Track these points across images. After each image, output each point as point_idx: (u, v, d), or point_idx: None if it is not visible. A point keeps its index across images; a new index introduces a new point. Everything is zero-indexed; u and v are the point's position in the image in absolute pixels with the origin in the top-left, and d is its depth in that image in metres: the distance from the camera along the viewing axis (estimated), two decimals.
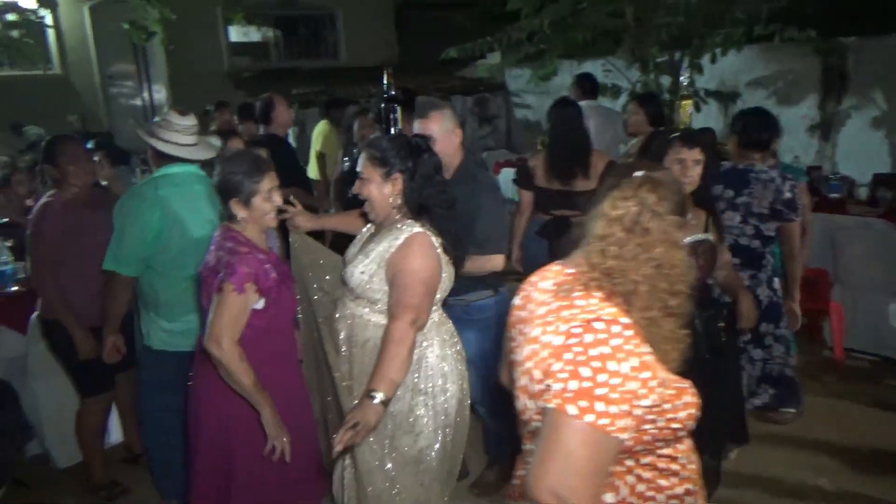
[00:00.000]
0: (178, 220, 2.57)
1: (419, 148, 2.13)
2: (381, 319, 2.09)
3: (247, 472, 2.15)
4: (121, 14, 7.17)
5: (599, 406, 1.14)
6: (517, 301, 1.47)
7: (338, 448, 1.81)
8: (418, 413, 2.13)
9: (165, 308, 2.64)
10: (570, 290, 1.30)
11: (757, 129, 3.17)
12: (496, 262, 2.67)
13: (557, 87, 9.00)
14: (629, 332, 1.21)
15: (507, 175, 5.72)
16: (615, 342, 1.19)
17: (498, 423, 2.99)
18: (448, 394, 2.18)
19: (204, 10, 9.82)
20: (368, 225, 2.30)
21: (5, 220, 4.27)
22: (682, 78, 3.99)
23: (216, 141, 2.79)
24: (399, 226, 2.08)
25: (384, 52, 11.28)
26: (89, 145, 4.63)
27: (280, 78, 9.90)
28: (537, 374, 1.27)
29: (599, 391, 1.15)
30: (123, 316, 2.77)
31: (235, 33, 10.74)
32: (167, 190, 2.58)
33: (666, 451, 1.34)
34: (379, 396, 1.87)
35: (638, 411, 1.19)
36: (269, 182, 2.07)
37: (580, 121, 3.51)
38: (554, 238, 3.42)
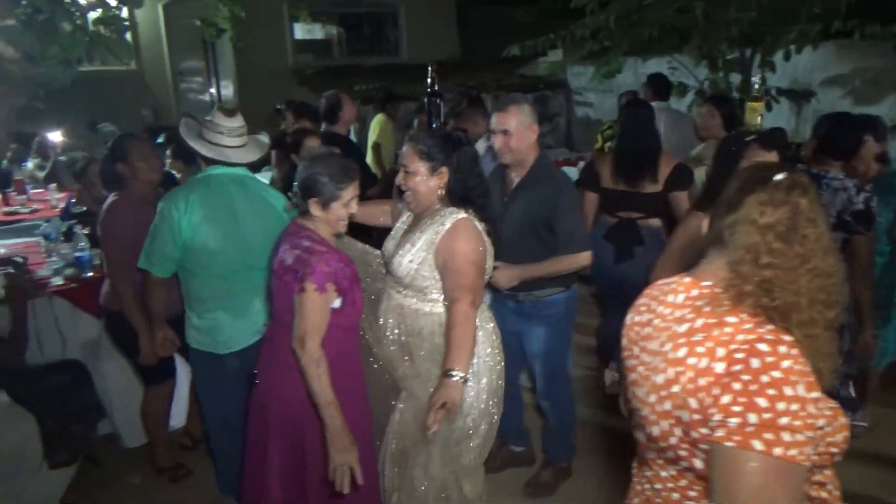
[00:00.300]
0: (211, 223, 2.54)
1: (459, 141, 2.22)
2: (430, 308, 2.19)
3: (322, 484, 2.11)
4: (193, 11, 7.42)
5: (785, 436, 1.06)
6: (638, 317, 1.37)
7: (434, 428, 1.97)
8: (466, 396, 2.19)
9: (196, 304, 2.68)
10: (717, 306, 1.20)
11: (840, 137, 3.00)
12: (583, 258, 2.73)
13: (620, 85, 8.86)
14: (795, 351, 1.12)
15: (567, 174, 5.64)
16: (785, 364, 1.10)
17: (561, 421, 3.03)
18: (491, 374, 2.29)
19: (271, 8, 10.04)
20: (404, 217, 2.37)
21: (83, 209, 4.48)
22: (754, 79, 3.83)
23: (265, 138, 2.77)
24: (442, 213, 2.17)
25: (445, 50, 11.31)
26: (161, 139, 4.81)
27: (342, 75, 10.05)
28: (693, 402, 1.16)
29: (782, 420, 1.06)
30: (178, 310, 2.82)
31: (300, 31, 10.95)
32: (203, 192, 2.56)
33: (817, 477, 1.27)
34: (458, 374, 2.01)
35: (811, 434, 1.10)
36: (352, 191, 2.09)
37: (652, 122, 3.43)
38: (621, 241, 3.37)
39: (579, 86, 9.73)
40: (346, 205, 2.09)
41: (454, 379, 2.00)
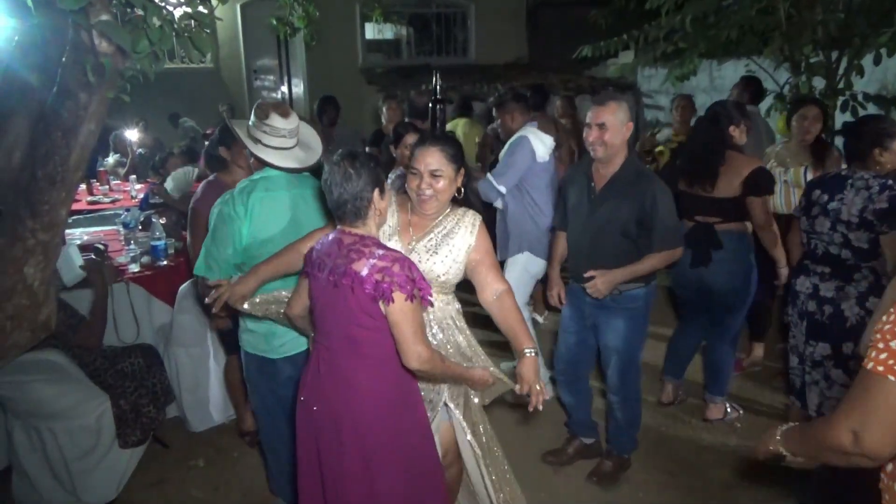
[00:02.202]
0: (270, 227, 2.47)
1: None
2: (454, 301, 2.31)
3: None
4: (268, 11, 7.64)
5: None
6: None
7: (540, 407, 2.16)
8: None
9: None
10: None
11: (849, 140, 2.94)
12: (677, 254, 2.82)
13: (692, 89, 8.61)
14: None
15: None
16: None
17: (627, 413, 3.06)
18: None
19: (343, 8, 10.24)
20: (393, 219, 2.27)
21: (160, 200, 4.67)
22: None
23: (317, 144, 2.66)
24: (458, 214, 2.26)
25: (513, 51, 11.26)
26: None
27: (410, 75, 10.14)
28: None
29: None
30: None
31: (370, 31, 11.12)
32: (262, 194, 2.47)
33: None
34: (531, 350, 2.21)
35: None
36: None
37: (716, 123, 3.31)
38: (698, 245, 3.29)
39: (650, 88, 9.50)
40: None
41: (531, 355, 2.20)
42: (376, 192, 1.93)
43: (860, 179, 2.83)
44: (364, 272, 1.84)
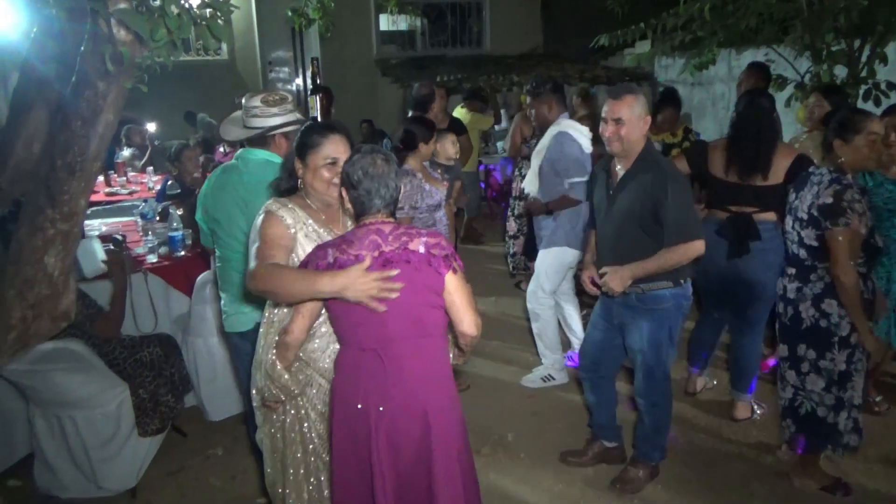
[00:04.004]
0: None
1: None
2: None
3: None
4: (283, 2, 7.62)
5: None
6: None
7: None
8: None
9: None
10: None
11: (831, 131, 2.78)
12: (697, 247, 2.62)
13: (710, 78, 8.51)
14: None
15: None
16: None
17: (653, 417, 2.93)
18: None
19: None
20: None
21: (177, 191, 4.70)
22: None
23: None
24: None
25: (528, 41, 11.18)
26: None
27: (425, 66, 10.11)
28: None
29: None
30: None
31: (385, 22, 11.09)
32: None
33: None
34: None
35: None
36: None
37: (770, 112, 3.26)
38: (737, 236, 3.21)
39: (667, 78, 9.38)
40: None
41: None
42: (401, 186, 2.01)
43: (817, 174, 2.73)
44: (422, 250, 1.88)
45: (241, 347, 2.64)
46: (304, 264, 1.94)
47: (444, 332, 2.00)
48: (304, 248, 2.06)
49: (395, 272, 1.84)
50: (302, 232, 2.08)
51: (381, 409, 1.91)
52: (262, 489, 3.11)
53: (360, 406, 1.93)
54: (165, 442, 3.25)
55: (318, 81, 2.62)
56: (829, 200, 2.61)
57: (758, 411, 3.58)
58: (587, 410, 3.31)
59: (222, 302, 2.66)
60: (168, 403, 3.18)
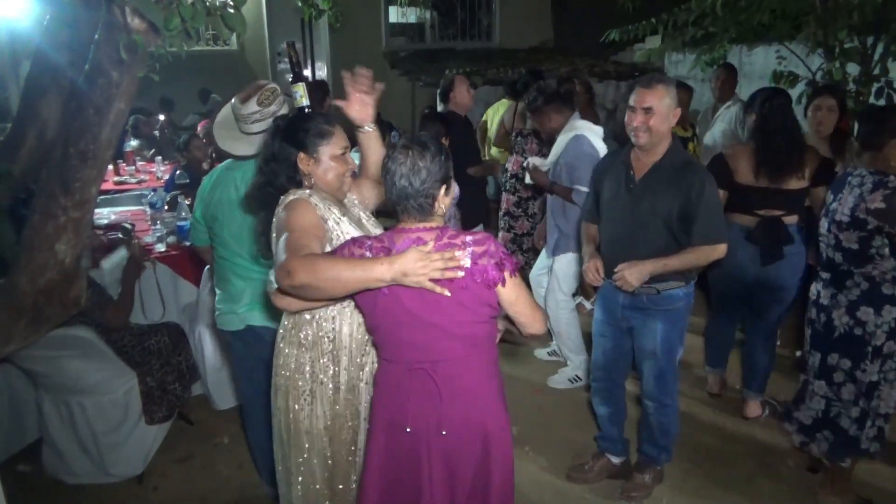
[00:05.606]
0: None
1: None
2: None
3: None
4: None
5: None
6: None
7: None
8: None
9: None
10: None
11: (866, 128, 2.72)
12: (720, 251, 2.58)
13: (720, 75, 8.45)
14: None
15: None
16: None
17: (662, 418, 2.87)
18: None
19: None
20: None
21: (186, 180, 4.71)
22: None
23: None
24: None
25: (538, 35, 11.12)
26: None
27: (434, 59, 10.08)
28: None
29: None
30: None
31: (394, 14, 11.06)
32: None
33: None
34: None
35: None
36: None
37: (792, 112, 3.21)
38: (770, 241, 3.15)
39: (677, 74, 9.32)
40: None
41: None
42: (443, 188, 1.77)
43: (857, 176, 2.66)
44: (468, 263, 1.69)
45: (233, 345, 2.65)
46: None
47: (494, 345, 1.90)
48: (335, 241, 1.91)
49: (459, 252, 1.67)
50: (333, 221, 1.95)
51: (443, 433, 1.78)
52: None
53: (408, 430, 1.81)
54: (172, 430, 3.27)
55: (298, 70, 2.43)
56: (881, 205, 2.52)
57: (774, 409, 3.53)
58: (596, 424, 3.20)
59: (216, 298, 2.63)
60: (175, 392, 3.20)
